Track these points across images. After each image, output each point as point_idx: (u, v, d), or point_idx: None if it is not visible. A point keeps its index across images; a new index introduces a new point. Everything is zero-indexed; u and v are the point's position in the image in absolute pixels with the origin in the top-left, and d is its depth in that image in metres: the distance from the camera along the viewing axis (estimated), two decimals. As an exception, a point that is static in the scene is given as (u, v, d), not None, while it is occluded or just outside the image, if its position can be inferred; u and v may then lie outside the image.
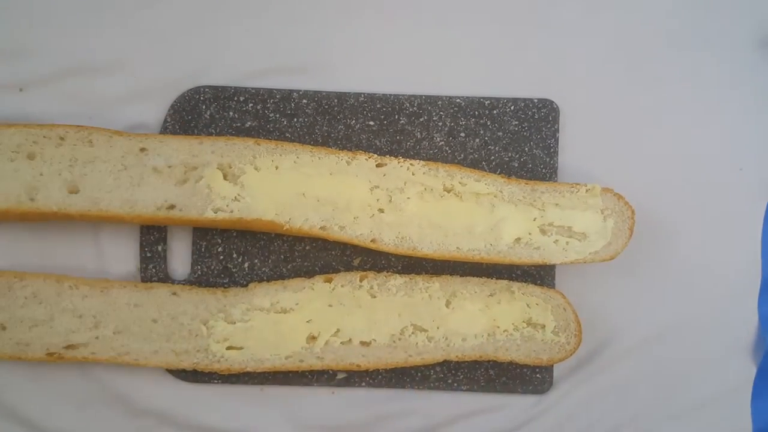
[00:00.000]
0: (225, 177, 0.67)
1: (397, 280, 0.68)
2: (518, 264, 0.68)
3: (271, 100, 0.71)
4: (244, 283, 0.70)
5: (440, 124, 0.72)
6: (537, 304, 0.68)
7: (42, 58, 0.71)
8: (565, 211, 0.67)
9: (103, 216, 0.66)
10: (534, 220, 0.67)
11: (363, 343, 0.67)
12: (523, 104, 0.72)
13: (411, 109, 0.72)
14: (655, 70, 0.73)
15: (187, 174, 0.67)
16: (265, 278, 0.70)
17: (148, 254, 0.70)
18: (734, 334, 0.72)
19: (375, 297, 0.68)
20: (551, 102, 0.72)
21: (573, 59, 0.73)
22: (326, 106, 0.71)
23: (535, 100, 0.72)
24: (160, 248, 0.70)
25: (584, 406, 0.71)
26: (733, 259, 0.72)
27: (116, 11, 0.71)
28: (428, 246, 0.66)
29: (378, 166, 0.67)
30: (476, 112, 0.72)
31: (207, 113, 0.71)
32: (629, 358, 0.71)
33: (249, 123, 0.71)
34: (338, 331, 0.67)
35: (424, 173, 0.67)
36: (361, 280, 0.68)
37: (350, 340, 0.67)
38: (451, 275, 0.69)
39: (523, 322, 0.68)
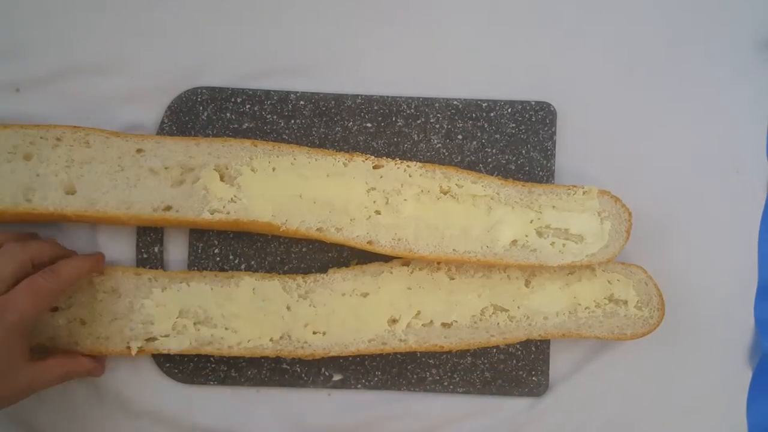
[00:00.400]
0: (222, 178, 0.67)
1: None
2: (514, 266, 0.68)
3: (269, 102, 0.71)
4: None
5: (437, 126, 0.72)
6: (618, 280, 0.68)
7: (38, 58, 0.70)
8: (562, 214, 0.67)
9: (100, 217, 0.66)
10: (531, 222, 0.67)
11: (444, 325, 0.68)
12: (520, 107, 0.72)
13: (408, 111, 0.72)
14: (653, 72, 0.73)
15: (184, 175, 0.67)
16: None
17: (145, 255, 0.70)
18: (730, 338, 0.72)
19: (453, 279, 0.68)
20: (548, 104, 0.72)
21: (571, 62, 0.73)
22: (323, 108, 0.71)
23: (533, 103, 0.72)
24: (156, 249, 0.70)
25: (580, 409, 0.71)
26: (729, 261, 0.72)
27: (113, 12, 0.71)
28: (424, 248, 0.66)
29: (375, 167, 0.67)
30: (473, 115, 0.72)
31: (204, 114, 0.71)
32: (625, 362, 0.71)
33: (246, 124, 0.71)
34: (419, 313, 0.68)
35: (420, 175, 0.67)
36: (438, 263, 0.68)
37: (431, 321, 0.68)
38: None
39: (605, 298, 0.68)
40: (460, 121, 0.72)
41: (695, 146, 0.73)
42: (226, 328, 0.67)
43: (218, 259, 0.71)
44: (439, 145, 0.71)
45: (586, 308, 0.68)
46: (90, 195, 0.66)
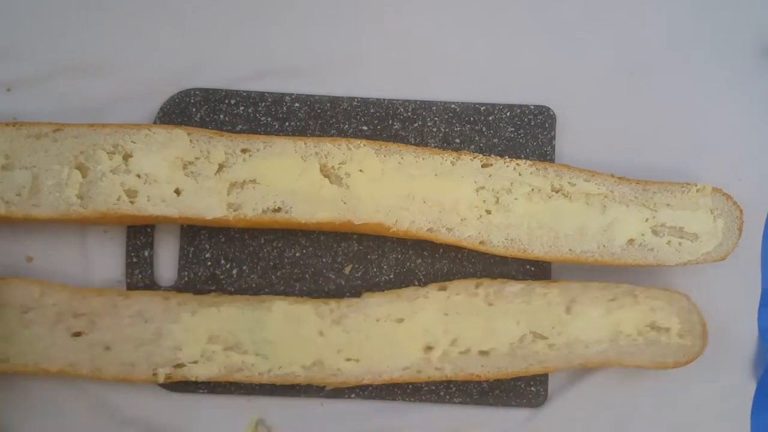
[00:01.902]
0: (329, 179, 0.65)
1: (513, 287, 0.66)
2: (632, 266, 0.66)
3: (263, 104, 0.70)
4: (231, 290, 0.69)
5: (435, 129, 0.70)
6: (661, 307, 0.67)
7: (31, 58, 0.70)
8: (677, 212, 0.66)
9: (209, 220, 0.64)
10: (646, 220, 0.66)
11: (482, 353, 0.66)
12: (519, 110, 0.71)
13: (405, 115, 0.71)
14: (653, 77, 0.72)
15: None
16: (253, 285, 0.69)
17: (134, 259, 0.69)
18: (734, 348, 0.71)
19: (492, 305, 0.66)
20: (548, 108, 0.71)
21: (570, 66, 0.72)
22: (319, 111, 0.70)
23: (532, 107, 0.71)
24: (146, 253, 0.69)
25: (579, 421, 0.70)
26: (731, 270, 0.71)
27: (107, 12, 0.70)
28: (539, 248, 0.65)
29: (483, 166, 0.66)
30: (471, 118, 0.71)
31: (197, 116, 0.70)
32: (625, 373, 0.70)
33: (240, 126, 0.70)
34: (455, 340, 0.66)
35: (531, 173, 0.66)
36: (476, 287, 0.66)
37: (468, 349, 0.66)
38: (568, 281, 0.67)
39: (647, 326, 0.66)
40: (457, 125, 0.71)
41: (696, 152, 0.72)
42: (257, 354, 0.65)
43: (209, 263, 0.69)
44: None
45: (627, 336, 0.66)
46: (198, 199, 0.64)
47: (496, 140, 0.71)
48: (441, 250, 0.70)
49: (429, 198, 0.65)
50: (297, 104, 0.70)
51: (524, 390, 0.69)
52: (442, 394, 0.69)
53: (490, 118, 0.71)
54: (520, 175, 0.66)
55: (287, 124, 0.70)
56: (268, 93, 0.70)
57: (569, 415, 0.69)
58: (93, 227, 0.69)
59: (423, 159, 0.66)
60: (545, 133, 0.71)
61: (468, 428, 0.69)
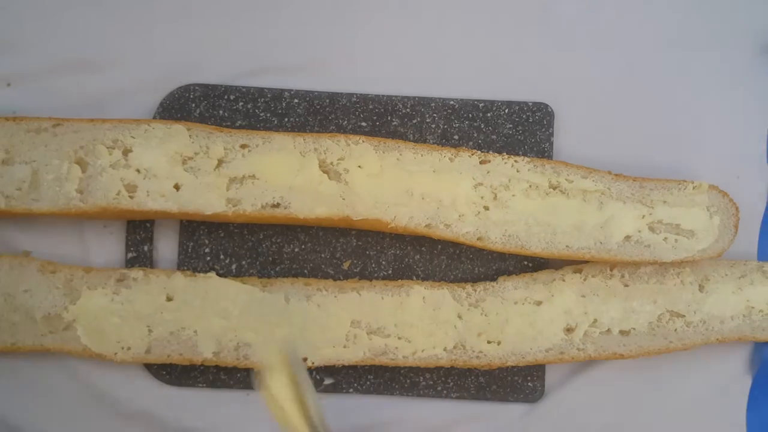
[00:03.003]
0: (328, 175, 0.65)
1: (647, 267, 0.67)
2: (628, 263, 0.67)
3: (262, 99, 0.70)
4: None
5: (433, 126, 0.71)
6: None
7: (31, 53, 0.70)
8: (674, 209, 0.67)
9: (208, 215, 0.64)
10: (643, 217, 0.66)
11: (622, 332, 0.67)
12: (517, 107, 0.71)
13: (404, 111, 0.71)
14: (652, 76, 0.72)
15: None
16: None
17: (134, 254, 0.69)
18: (730, 344, 0.71)
19: (627, 285, 0.67)
20: (546, 105, 0.71)
21: (569, 63, 0.72)
22: (318, 106, 0.70)
23: (530, 104, 0.71)
24: (146, 248, 0.69)
25: (576, 416, 0.70)
26: (729, 267, 0.71)
27: (106, 7, 0.70)
28: (536, 244, 0.65)
29: (482, 162, 0.66)
30: (470, 115, 0.71)
31: (196, 111, 0.70)
32: (622, 368, 0.70)
33: (239, 122, 0.70)
34: (595, 321, 0.67)
35: (529, 170, 0.66)
36: (611, 269, 0.67)
37: (609, 329, 0.67)
38: None
39: None
40: (456, 122, 0.71)
41: (694, 149, 0.72)
42: (399, 338, 0.66)
43: (209, 258, 0.69)
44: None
45: (760, 311, 0.68)
46: (197, 194, 0.64)
47: (494, 137, 0.71)
48: (439, 246, 0.70)
49: (427, 194, 0.65)
50: (296, 100, 0.70)
51: (521, 385, 0.69)
52: (439, 389, 0.69)
53: (489, 114, 0.71)
54: (518, 171, 0.66)
55: (286, 119, 0.70)
56: (267, 89, 0.70)
57: (566, 410, 0.70)
58: (92, 222, 0.69)
59: (421, 155, 0.66)
60: (543, 130, 0.71)
61: (466, 423, 0.69)
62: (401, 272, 0.70)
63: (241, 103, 0.70)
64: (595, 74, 0.72)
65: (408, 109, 0.71)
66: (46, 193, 0.64)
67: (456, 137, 0.71)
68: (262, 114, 0.70)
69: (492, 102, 0.71)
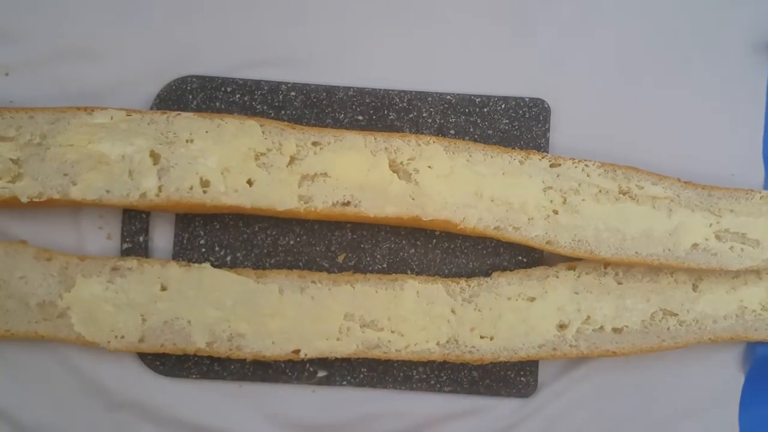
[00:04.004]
0: (398, 175, 0.65)
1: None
2: (695, 270, 0.67)
3: (259, 92, 0.70)
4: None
5: (430, 120, 0.71)
6: None
7: (29, 43, 0.70)
8: (740, 218, 0.67)
9: (280, 211, 0.65)
10: (710, 225, 0.66)
11: (615, 330, 0.67)
12: (514, 103, 0.71)
13: (401, 105, 0.71)
14: (647, 73, 0.72)
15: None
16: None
17: (129, 245, 0.69)
18: (722, 343, 0.71)
19: (621, 283, 0.68)
20: (542, 101, 0.71)
21: (566, 59, 0.72)
22: (314, 100, 0.70)
23: (527, 99, 0.71)
24: (141, 239, 0.69)
25: (568, 411, 0.70)
26: None
27: (105, -2, 0.71)
28: (606, 250, 0.65)
29: (552, 166, 0.66)
30: (466, 110, 0.71)
31: (193, 103, 0.70)
32: (615, 364, 0.70)
33: (236, 114, 0.70)
34: (588, 318, 0.67)
35: (599, 175, 0.66)
36: (605, 267, 0.68)
37: (602, 327, 0.67)
38: None
39: None
40: (452, 116, 0.71)
41: (690, 148, 0.72)
42: (392, 332, 0.66)
43: (204, 250, 0.69)
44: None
45: (752, 311, 0.68)
46: (270, 190, 0.64)
47: (490, 132, 0.71)
48: (434, 241, 0.70)
49: (497, 196, 0.65)
50: (293, 93, 0.70)
51: (514, 380, 0.69)
52: (432, 383, 0.69)
53: (485, 109, 0.71)
54: (588, 176, 0.66)
55: (283, 112, 0.70)
56: (264, 81, 0.70)
57: (559, 405, 0.70)
58: (88, 213, 0.69)
59: (491, 157, 0.66)
60: (539, 125, 0.71)
61: (458, 417, 0.69)
62: (396, 266, 0.70)
63: (238, 95, 0.70)
64: (591, 71, 0.72)
65: (405, 103, 0.71)
66: (118, 185, 0.64)
67: (452, 132, 0.71)
68: (258, 106, 0.70)
69: (488, 97, 0.71)
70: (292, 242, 0.70)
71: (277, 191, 0.64)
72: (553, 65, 0.72)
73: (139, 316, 0.65)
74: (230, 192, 0.64)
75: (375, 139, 0.66)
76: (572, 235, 0.65)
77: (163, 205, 0.64)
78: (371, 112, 0.71)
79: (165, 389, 0.69)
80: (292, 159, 0.65)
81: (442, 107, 0.71)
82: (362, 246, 0.70)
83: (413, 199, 0.65)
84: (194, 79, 0.70)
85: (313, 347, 0.65)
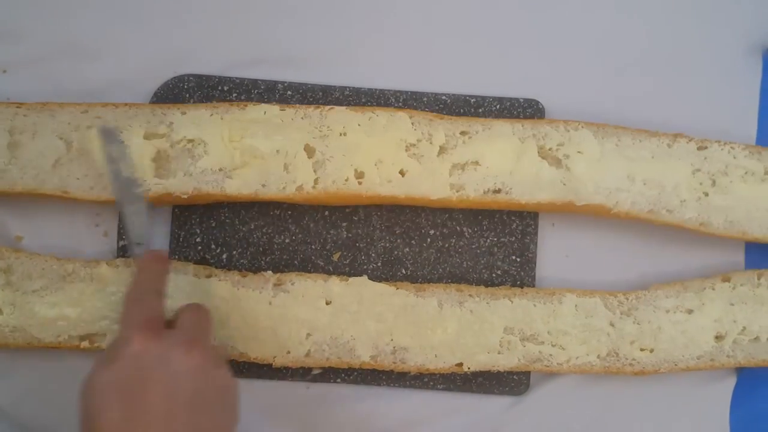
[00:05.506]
0: (548, 161, 0.66)
1: None
2: None
3: (256, 91, 0.71)
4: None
5: (425, 120, 0.71)
6: None
7: (27, 40, 0.70)
8: None
9: (423, 200, 0.66)
10: None
11: None
12: (508, 103, 0.72)
13: (396, 105, 0.71)
14: (641, 74, 0.73)
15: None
16: (242, 270, 0.69)
17: (125, 242, 0.69)
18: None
19: None
20: (537, 102, 0.72)
21: (560, 60, 0.73)
22: (311, 99, 0.71)
23: (521, 100, 0.72)
24: (137, 236, 0.70)
25: (561, 410, 0.70)
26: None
27: (103, -4, 0.71)
28: (758, 229, 0.67)
29: (699, 149, 0.67)
30: (461, 110, 0.71)
31: (190, 101, 0.70)
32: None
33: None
34: (744, 329, 0.67)
35: (745, 156, 0.67)
36: (759, 278, 0.68)
37: (757, 337, 0.67)
38: None
39: None
40: (448, 117, 0.71)
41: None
42: (553, 345, 0.66)
43: (200, 248, 0.70)
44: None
45: None
46: (422, 179, 0.66)
47: (485, 132, 0.71)
48: (428, 240, 0.71)
49: (649, 179, 0.66)
50: (289, 92, 0.71)
51: (507, 378, 0.70)
52: (426, 380, 0.70)
53: (480, 110, 0.72)
54: (734, 158, 0.67)
55: (279, 111, 0.71)
56: (261, 80, 0.71)
57: (551, 404, 0.70)
58: (84, 209, 0.70)
59: (640, 141, 0.67)
60: (534, 126, 0.72)
61: (451, 415, 0.70)
62: (390, 264, 0.70)
63: (234, 94, 0.71)
64: (585, 71, 0.73)
65: (400, 104, 0.71)
66: (274, 179, 0.65)
67: (447, 132, 0.71)
68: (255, 105, 0.71)
69: (483, 98, 0.72)
70: (287, 240, 0.70)
71: (429, 181, 0.66)
72: (548, 66, 0.73)
73: (305, 331, 0.66)
74: (384, 183, 0.65)
75: (522, 126, 0.67)
76: (724, 216, 0.67)
77: (319, 198, 0.66)
78: (367, 111, 0.71)
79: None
80: (442, 149, 0.66)
81: (437, 107, 0.71)
82: (357, 245, 0.71)
83: (565, 184, 0.66)
84: (191, 78, 0.70)
85: (476, 361, 0.66)
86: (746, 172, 0.67)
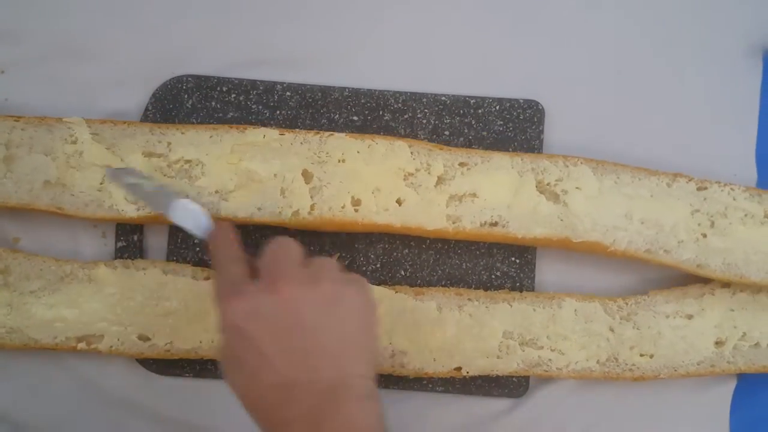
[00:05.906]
0: (545, 196, 0.66)
1: None
2: None
3: (254, 92, 0.71)
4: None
5: (424, 121, 0.71)
6: None
7: (26, 40, 0.70)
8: None
9: (419, 230, 0.66)
10: None
11: None
12: (508, 104, 0.71)
13: (395, 106, 0.71)
14: (641, 75, 0.73)
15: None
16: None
17: (123, 243, 0.69)
18: (715, 344, 0.71)
19: None
20: (537, 103, 0.71)
21: (560, 61, 0.72)
22: (310, 100, 0.71)
23: (521, 101, 0.71)
24: (135, 237, 0.69)
25: (560, 412, 0.70)
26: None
27: (101, -3, 0.71)
28: (755, 273, 0.66)
29: (698, 189, 0.67)
30: (461, 111, 0.71)
31: (189, 102, 0.70)
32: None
33: (231, 114, 0.70)
34: (744, 335, 0.67)
35: (744, 198, 0.67)
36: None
37: (757, 343, 0.67)
38: None
39: None
40: (447, 117, 0.71)
41: (684, 149, 0.72)
42: (552, 350, 0.66)
43: (198, 249, 0.70)
44: (426, 140, 0.71)
45: None
46: (418, 209, 0.65)
47: (485, 133, 0.71)
48: (427, 241, 0.71)
49: (647, 219, 0.66)
50: (288, 93, 0.71)
51: (506, 380, 0.70)
52: (425, 382, 0.69)
53: (480, 111, 0.71)
54: (734, 200, 0.67)
55: (278, 112, 0.70)
56: (260, 81, 0.71)
57: (550, 406, 0.70)
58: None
59: (639, 179, 0.66)
60: (534, 127, 0.71)
61: (450, 416, 0.70)
62: (389, 266, 0.70)
63: (233, 95, 0.70)
64: (586, 72, 0.72)
65: (400, 104, 0.71)
66: (269, 204, 0.65)
67: (446, 133, 0.71)
68: (254, 106, 0.70)
69: (483, 99, 0.71)
70: (286, 242, 0.70)
71: (426, 211, 0.65)
72: (548, 67, 0.72)
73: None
74: (381, 211, 0.65)
75: (522, 159, 0.66)
76: (722, 258, 0.66)
77: (314, 224, 0.65)
78: (366, 112, 0.71)
79: (158, 387, 0.69)
80: (440, 179, 0.66)
81: (436, 108, 0.71)
82: (356, 246, 0.70)
83: (562, 220, 0.65)
84: (190, 79, 0.70)
85: (475, 365, 0.66)
86: (746, 215, 0.66)
